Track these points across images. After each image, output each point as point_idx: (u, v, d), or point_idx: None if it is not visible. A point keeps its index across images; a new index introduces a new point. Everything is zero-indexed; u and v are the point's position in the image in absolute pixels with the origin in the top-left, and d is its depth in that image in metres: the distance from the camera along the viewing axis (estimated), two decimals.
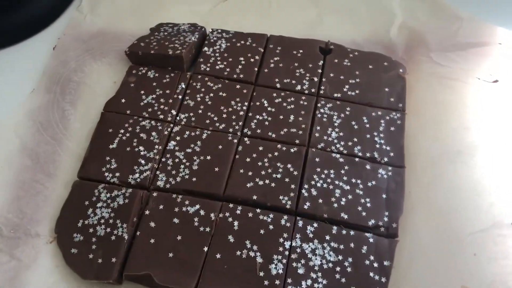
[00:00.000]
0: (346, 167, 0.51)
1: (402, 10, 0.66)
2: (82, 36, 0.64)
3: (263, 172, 0.51)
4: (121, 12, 0.67)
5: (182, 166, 0.52)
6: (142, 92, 0.58)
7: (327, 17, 0.66)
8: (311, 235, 0.47)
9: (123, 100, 0.57)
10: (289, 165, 0.52)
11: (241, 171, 0.51)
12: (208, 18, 0.67)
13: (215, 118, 0.55)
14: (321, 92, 0.57)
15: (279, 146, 0.53)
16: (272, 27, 0.65)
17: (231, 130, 0.55)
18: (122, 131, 0.55)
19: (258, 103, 0.56)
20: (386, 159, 0.52)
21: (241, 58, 0.60)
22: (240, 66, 0.59)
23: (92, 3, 0.68)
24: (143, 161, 0.52)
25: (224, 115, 0.56)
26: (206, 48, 0.61)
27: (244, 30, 0.64)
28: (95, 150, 0.54)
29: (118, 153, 0.53)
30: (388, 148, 0.53)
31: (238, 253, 0.46)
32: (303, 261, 0.46)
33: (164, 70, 0.60)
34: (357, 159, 0.52)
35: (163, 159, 0.53)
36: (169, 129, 0.55)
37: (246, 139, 0.54)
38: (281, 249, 0.46)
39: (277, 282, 0.45)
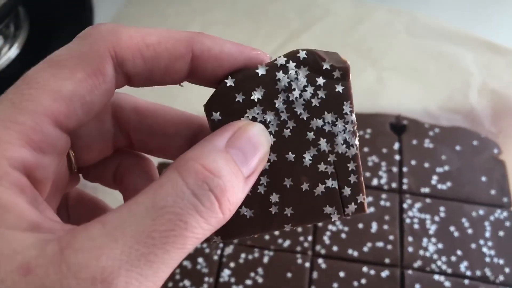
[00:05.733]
0: None
1: (478, 67, 0.54)
2: None
3: None
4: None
5: None
6: None
7: (389, 80, 0.54)
8: None
9: None
10: None
11: None
12: None
13: (276, 232, 0.44)
14: (404, 187, 0.46)
15: (365, 269, 0.41)
16: None
17: (299, 248, 0.43)
18: None
19: None
20: (501, 278, 0.41)
21: None
22: None
23: None
24: None
25: None
26: None
27: None
28: None
29: None
30: (501, 262, 0.42)
31: None
32: None
33: None
34: (466, 282, 0.41)
35: None
36: (219, 252, 0.43)
37: (320, 260, 0.42)
38: None
39: None
